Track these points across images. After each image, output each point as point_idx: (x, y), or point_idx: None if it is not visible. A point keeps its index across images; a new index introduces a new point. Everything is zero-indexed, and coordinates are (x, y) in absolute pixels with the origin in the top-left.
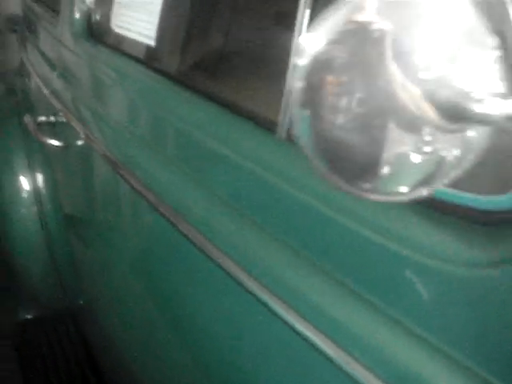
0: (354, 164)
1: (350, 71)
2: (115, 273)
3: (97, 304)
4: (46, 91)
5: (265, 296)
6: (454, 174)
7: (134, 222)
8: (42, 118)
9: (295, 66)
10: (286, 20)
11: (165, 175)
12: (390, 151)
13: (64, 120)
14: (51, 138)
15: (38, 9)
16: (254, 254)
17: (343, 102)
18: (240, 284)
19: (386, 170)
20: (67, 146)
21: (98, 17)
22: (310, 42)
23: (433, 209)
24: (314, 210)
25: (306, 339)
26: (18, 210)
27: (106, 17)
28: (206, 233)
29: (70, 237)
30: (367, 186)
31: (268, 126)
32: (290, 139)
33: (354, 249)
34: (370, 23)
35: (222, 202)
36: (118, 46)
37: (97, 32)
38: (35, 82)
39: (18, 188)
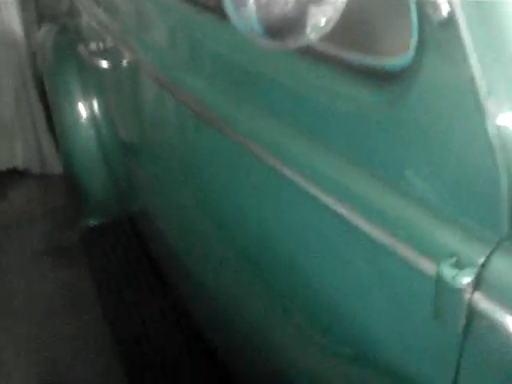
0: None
1: None
2: (165, 181)
3: (149, 208)
4: (94, 24)
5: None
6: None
7: (178, 132)
8: (93, 46)
9: None
10: None
11: (206, 89)
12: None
13: (111, 45)
14: (101, 61)
15: None
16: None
17: None
18: (272, 169)
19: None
20: (115, 68)
21: None
22: None
23: (350, 70)
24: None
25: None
26: (78, 133)
27: None
28: (249, 136)
29: (124, 152)
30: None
31: None
32: None
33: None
34: None
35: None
36: None
37: None
38: (85, 18)
39: (77, 114)
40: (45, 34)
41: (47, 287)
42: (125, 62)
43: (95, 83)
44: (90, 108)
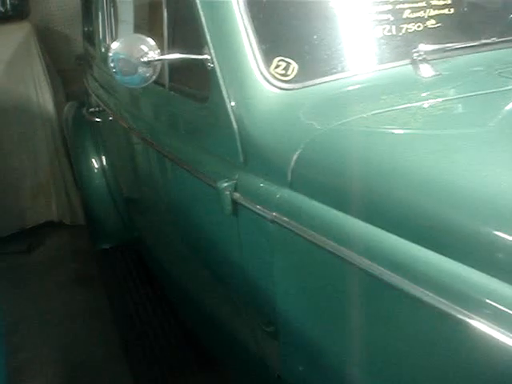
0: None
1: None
2: (153, 214)
3: (146, 235)
4: (93, 95)
5: None
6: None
7: (159, 175)
8: (91, 109)
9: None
10: None
11: (177, 146)
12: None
13: (102, 109)
14: (95, 118)
15: (89, 47)
16: None
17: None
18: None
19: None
20: (103, 122)
21: None
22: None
23: (191, 96)
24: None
25: None
26: (93, 182)
27: None
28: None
29: (125, 193)
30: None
31: None
32: None
33: None
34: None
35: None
36: None
37: None
38: (90, 93)
39: (91, 167)
40: (68, 109)
41: (75, 302)
42: (118, 126)
43: (103, 143)
44: (101, 162)
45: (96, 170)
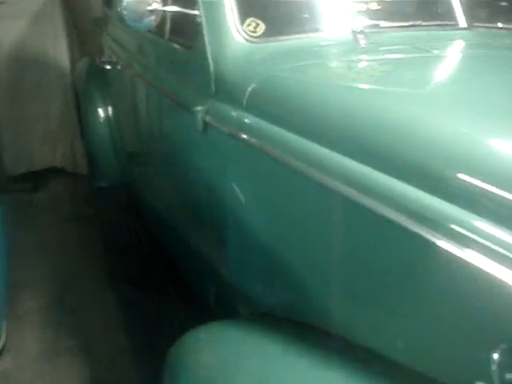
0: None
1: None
2: (146, 151)
3: (137, 173)
4: (107, 49)
5: None
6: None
7: (151, 113)
8: (104, 58)
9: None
10: None
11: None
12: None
13: (114, 60)
14: (106, 65)
15: (107, 10)
16: None
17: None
18: None
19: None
20: (113, 71)
21: None
22: None
23: (182, 43)
24: None
25: None
26: (98, 127)
27: None
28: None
29: (123, 136)
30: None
31: None
32: None
33: None
34: None
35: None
36: None
37: None
38: (105, 47)
39: (97, 117)
40: (81, 65)
41: (71, 234)
42: (126, 74)
43: (110, 93)
44: (106, 112)
45: (102, 120)
